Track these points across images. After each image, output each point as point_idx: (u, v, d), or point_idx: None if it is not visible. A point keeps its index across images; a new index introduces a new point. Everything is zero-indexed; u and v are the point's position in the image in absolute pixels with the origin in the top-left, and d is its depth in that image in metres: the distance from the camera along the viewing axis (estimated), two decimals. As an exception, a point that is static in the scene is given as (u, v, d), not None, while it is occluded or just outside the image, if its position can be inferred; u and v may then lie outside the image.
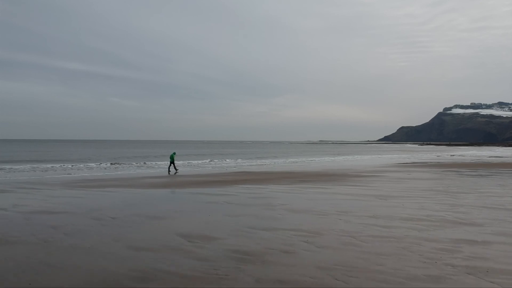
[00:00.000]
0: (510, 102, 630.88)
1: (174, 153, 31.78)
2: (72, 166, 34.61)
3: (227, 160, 49.39)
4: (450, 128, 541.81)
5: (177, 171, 29.51)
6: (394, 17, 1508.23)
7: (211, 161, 46.67)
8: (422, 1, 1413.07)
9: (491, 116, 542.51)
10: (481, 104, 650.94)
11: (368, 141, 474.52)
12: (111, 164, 38.10)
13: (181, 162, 40.81)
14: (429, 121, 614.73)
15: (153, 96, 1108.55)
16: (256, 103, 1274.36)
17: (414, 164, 37.97)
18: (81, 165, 35.55)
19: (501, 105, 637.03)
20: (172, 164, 30.12)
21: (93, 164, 37.03)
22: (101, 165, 36.73)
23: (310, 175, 24.85)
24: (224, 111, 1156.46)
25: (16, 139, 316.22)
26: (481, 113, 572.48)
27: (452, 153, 73.33)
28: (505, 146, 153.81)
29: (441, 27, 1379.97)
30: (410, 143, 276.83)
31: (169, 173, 27.58)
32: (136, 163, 39.32)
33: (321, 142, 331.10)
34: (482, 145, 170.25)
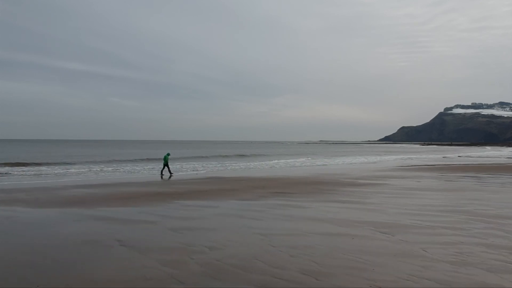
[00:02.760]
0: (511, 102, 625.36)
1: (168, 154, 27.37)
2: (16, 170, 29.17)
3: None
4: (451, 128, 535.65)
5: (172, 175, 25.54)
6: (394, 17, 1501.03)
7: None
8: (422, 1, 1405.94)
9: (492, 116, 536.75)
10: (482, 104, 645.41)
11: (369, 141, 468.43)
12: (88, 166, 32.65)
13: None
14: (430, 121, 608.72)
15: (153, 96, 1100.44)
16: (256, 103, 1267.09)
17: (421, 168, 32.50)
18: (29, 169, 30.11)
19: (502, 105, 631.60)
20: (165, 167, 26.26)
21: (44, 168, 31.59)
22: (54, 167, 31.34)
23: (292, 184, 19.40)
24: (224, 111, 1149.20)
25: (16, 139, 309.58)
26: (482, 113, 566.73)
27: (458, 154, 67.86)
28: (509, 146, 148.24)
29: (441, 27, 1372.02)
30: (412, 143, 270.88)
31: (161, 178, 23.60)
32: (101, 166, 33.93)
33: (322, 142, 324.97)
34: (484, 145, 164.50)
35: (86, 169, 30.58)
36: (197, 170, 30.37)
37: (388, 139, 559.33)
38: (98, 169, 30.59)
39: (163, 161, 27.06)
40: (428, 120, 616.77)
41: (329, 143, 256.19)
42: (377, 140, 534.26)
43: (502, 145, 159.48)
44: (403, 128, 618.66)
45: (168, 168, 26.48)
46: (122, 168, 31.92)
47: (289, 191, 16.25)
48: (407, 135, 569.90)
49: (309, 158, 52.81)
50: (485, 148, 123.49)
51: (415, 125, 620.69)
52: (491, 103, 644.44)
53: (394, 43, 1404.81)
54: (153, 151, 78.00)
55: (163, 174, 25.41)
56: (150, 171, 28.97)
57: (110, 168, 31.58)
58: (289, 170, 30.75)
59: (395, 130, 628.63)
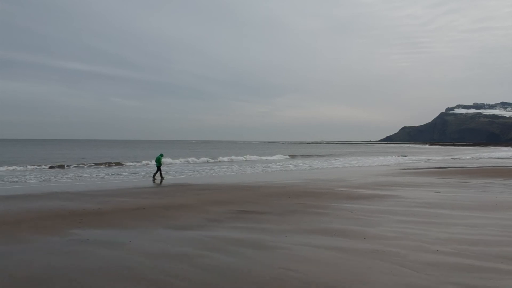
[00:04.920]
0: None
1: (161, 155, 23.59)
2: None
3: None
4: (453, 128, 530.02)
5: (163, 179, 21.90)
6: (395, 18, 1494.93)
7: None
8: (424, 2, 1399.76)
9: (494, 116, 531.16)
10: (483, 104, 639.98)
11: (370, 141, 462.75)
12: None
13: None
14: (432, 121, 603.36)
15: (154, 96, 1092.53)
16: (257, 103, 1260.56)
17: (432, 171, 27.69)
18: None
19: (504, 105, 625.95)
20: (158, 170, 22.54)
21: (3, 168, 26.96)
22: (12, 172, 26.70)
23: (271, 195, 14.63)
24: (225, 111, 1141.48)
25: (16, 139, 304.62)
26: (484, 113, 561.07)
27: (466, 155, 62.98)
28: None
29: (442, 28, 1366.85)
30: (414, 143, 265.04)
31: (153, 181, 20.76)
32: (64, 170, 29.30)
33: (323, 142, 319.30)
34: (488, 146, 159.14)
35: (44, 174, 25.96)
36: (174, 175, 25.52)
37: (389, 139, 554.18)
38: (58, 174, 25.93)
39: (156, 164, 22.95)
40: (429, 120, 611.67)
41: (331, 143, 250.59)
42: (379, 140, 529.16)
43: (506, 145, 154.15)
44: (404, 128, 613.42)
45: (160, 171, 22.53)
46: (88, 173, 27.01)
47: (260, 208, 11.51)
48: (409, 135, 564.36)
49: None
50: (490, 148, 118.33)
51: (416, 125, 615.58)
52: (493, 103, 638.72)
53: (395, 43, 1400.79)
54: (151, 151, 72.82)
55: (155, 178, 21.85)
56: (116, 176, 24.29)
57: (74, 174, 26.75)
58: (280, 174, 25.97)
59: (396, 130, 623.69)
